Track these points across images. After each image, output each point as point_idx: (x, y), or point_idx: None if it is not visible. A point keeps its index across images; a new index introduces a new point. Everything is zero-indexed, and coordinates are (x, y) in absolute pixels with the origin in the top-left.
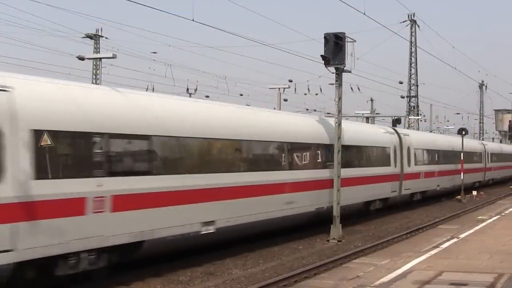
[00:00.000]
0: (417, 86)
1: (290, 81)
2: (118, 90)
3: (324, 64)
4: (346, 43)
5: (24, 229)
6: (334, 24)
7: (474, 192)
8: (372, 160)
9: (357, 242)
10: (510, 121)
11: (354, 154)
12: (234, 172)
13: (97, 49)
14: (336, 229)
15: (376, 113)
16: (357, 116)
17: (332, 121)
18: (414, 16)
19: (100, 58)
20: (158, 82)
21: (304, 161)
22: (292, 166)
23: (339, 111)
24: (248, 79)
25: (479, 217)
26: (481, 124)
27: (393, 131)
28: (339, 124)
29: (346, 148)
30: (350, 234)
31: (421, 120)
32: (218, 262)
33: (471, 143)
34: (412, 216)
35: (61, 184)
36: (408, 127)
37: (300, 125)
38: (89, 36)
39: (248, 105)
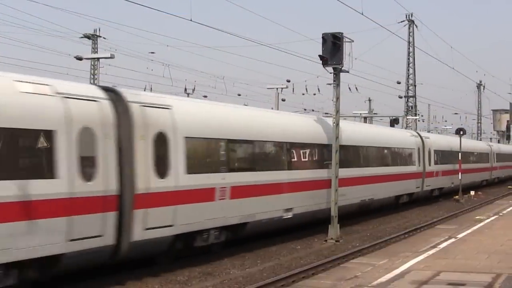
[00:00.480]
0: (415, 86)
1: (288, 81)
2: (235, 106)
3: (322, 64)
4: (344, 43)
5: (179, 210)
6: (332, 24)
7: (472, 192)
8: (402, 160)
9: (355, 242)
10: (508, 121)
11: (389, 155)
12: (305, 169)
13: (95, 49)
14: (334, 229)
15: (374, 113)
16: (355, 116)
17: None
18: (412, 16)
19: (98, 58)
20: (156, 82)
21: (353, 161)
22: (344, 166)
23: (337, 111)
24: (246, 79)
25: (477, 217)
26: (479, 124)
27: (416, 134)
28: (337, 124)
29: (382, 149)
30: (348, 234)
31: (419, 120)
32: (216, 262)
33: (480, 144)
34: (410, 216)
35: (201, 177)
36: (406, 127)
37: (357, 131)
38: (87, 36)
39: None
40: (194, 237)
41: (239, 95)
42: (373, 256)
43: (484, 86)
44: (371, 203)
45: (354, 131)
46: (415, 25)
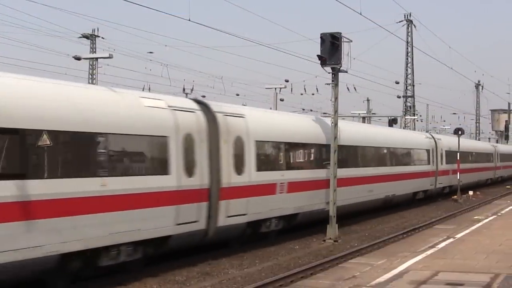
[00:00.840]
0: (413, 86)
1: (287, 81)
2: (291, 114)
3: (321, 64)
4: (342, 43)
5: (250, 201)
6: (331, 24)
7: (471, 192)
8: (418, 160)
9: (353, 242)
10: (506, 121)
11: (408, 155)
12: (343, 167)
13: (93, 49)
14: (332, 229)
15: (373, 113)
16: (353, 116)
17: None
18: (410, 16)
19: (97, 58)
20: (154, 82)
21: (381, 161)
22: (373, 165)
23: (336, 111)
24: (245, 79)
25: (475, 217)
26: (478, 124)
27: (430, 136)
28: (335, 124)
29: (403, 150)
30: (346, 234)
31: (417, 120)
32: (214, 262)
33: (484, 145)
34: (408, 216)
35: (267, 174)
36: (405, 127)
37: (403, 136)
38: (86, 36)
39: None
40: (260, 224)
41: (237, 95)
42: (372, 256)
43: (482, 86)
44: (393, 198)
45: (384, 135)
46: (414, 25)
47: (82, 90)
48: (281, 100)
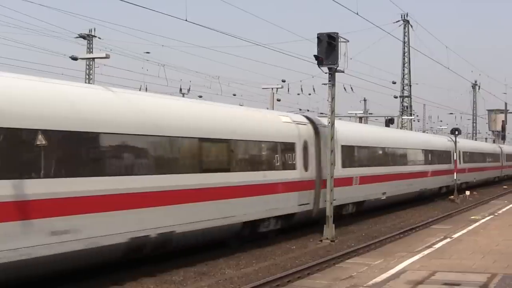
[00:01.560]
0: (410, 86)
1: (283, 81)
2: (361, 125)
3: (317, 64)
4: (339, 43)
5: (338, 190)
6: (327, 24)
7: (467, 192)
8: (443, 159)
9: (350, 242)
10: (503, 121)
11: (437, 156)
12: (396, 165)
13: (90, 49)
14: (329, 229)
15: (369, 113)
16: (350, 116)
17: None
18: (407, 16)
19: (93, 58)
20: (151, 82)
21: (418, 161)
22: (413, 164)
23: (333, 111)
24: (241, 79)
25: (472, 217)
26: (474, 124)
27: (450, 139)
28: (332, 124)
29: (433, 152)
30: (343, 234)
31: (414, 120)
32: (211, 262)
33: (492, 146)
34: (405, 216)
35: (348, 170)
36: (401, 127)
37: (433, 139)
38: (82, 36)
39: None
40: (342, 208)
41: (234, 95)
42: (369, 256)
43: (479, 86)
44: (425, 191)
45: (419, 138)
46: (411, 25)
47: (231, 110)
48: (278, 100)
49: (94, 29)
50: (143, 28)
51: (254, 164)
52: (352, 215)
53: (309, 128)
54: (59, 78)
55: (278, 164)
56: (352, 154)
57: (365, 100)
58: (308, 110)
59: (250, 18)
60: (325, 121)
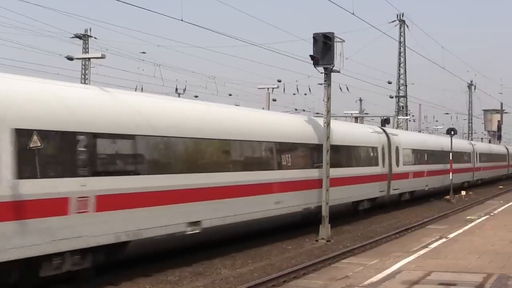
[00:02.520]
0: (406, 86)
1: (279, 81)
2: (423, 134)
3: (313, 64)
4: (335, 43)
5: (399, 182)
6: (323, 24)
7: (463, 192)
8: (464, 160)
9: (346, 242)
10: (498, 121)
11: (459, 157)
12: (435, 164)
13: (86, 49)
14: (325, 229)
15: (365, 113)
16: (346, 116)
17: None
18: (403, 16)
19: (89, 58)
20: (147, 82)
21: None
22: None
23: (328, 111)
24: (237, 79)
25: (468, 217)
26: (470, 124)
27: (470, 142)
28: (328, 124)
29: (457, 153)
30: (339, 234)
31: (410, 120)
32: (207, 262)
33: (500, 148)
34: (401, 216)
35: (405, 167)
36: (397, 127)
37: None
38: (78, 36)
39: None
40: (402, 195)
41: (230, 95)
42: (364, 256)
43: (475, 86)
44: (453, 185)
45: (448, 141)
46: (406, 25)
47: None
48: (274, 100)
49: (90, 29)
50: (139, 28)
51: (357, 161)
52: (407, 201)
53: (383, 136)
54: (55, 79)
55: (370, 161)
56: (410, 155)
57: (360, 100)
58: (304, 110)
59: (246, 18)
60: (393, 130)
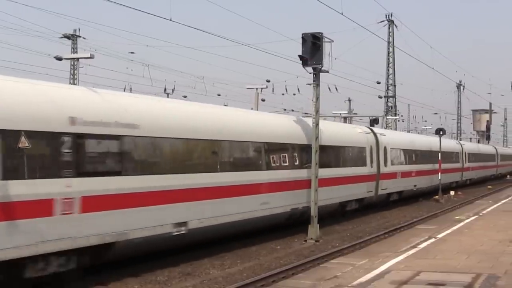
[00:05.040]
0: (394, 86)
1: (268, 81)
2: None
3: (302, 64)
4: (323, 43)
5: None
6: (312, 24)
7: (452, 192)
8: (452, 160)
9: (334, 242)
10: (487, 121)
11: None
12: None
13: (74, 49)
14: (313, 229)
15: (354, 113)
16: (334, 116)
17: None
18: (391, 16)
19: (78, 58)
20: (136, 82)
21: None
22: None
23: (317, 111)
24: (226, 79)
25: (456, 217)
26: (459, 124)
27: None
28: (317, 124)
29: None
30: (327, 234)
31: (398, 120)
32: (196, 262)
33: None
34: (390, 216)
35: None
36: (386, 127)
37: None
38: (67, 36)
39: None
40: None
41: (218, 95)
42: (353, 256)
43: (464, 86)
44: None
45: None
46: (395, 25)
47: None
48: (263, 100)
49: (79, 29)
50: (128, 28)
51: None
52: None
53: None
54: (43, 79)
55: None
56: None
57: (349, 100)
58: (292, 110)
59: (234, 18)
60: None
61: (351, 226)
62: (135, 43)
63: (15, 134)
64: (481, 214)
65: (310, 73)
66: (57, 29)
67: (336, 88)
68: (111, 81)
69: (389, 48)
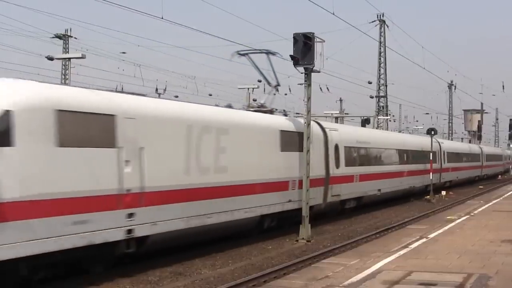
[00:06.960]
0: (386, 86)
1: (259, 81)
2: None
3: (293, 64)
4: (315, 43)
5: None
6: (304, 24)
7: (443, 192)
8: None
9: (326, 242)
10: (479, 121)
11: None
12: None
13: (66, 49)
14: (305, 229)
15: (345, 113)
16: (326, 116)
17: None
18: (383, 16)
19: (69, 58)
20: (127, 82)
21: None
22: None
23: (309, 111)
24: (217, 79)
25: (448, 217)
26: (450, 124)
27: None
28: (308, 124)
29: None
30: (319, 234)
31: (390, 120)
32: (187, 262)
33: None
34: (381, 216)
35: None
36: (377, 127)
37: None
38: (58, 36)
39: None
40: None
41: (210, 95)
42: (345, 256)
43: (455, 86)
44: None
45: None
46: (386, 25)
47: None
48: (254, 100)
49: (70, 29)
50: (119, 28)
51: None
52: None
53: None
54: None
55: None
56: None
57: (341, 100)
58: (284, 110)
59: (226, 17)
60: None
61: (342, 226)
62: (127, 43)
63: None
64: (472, 214)
65: (302, 73)
66: (48, 29)
67: (327, 88)
68: (102, 81)
69: (380, 48)
